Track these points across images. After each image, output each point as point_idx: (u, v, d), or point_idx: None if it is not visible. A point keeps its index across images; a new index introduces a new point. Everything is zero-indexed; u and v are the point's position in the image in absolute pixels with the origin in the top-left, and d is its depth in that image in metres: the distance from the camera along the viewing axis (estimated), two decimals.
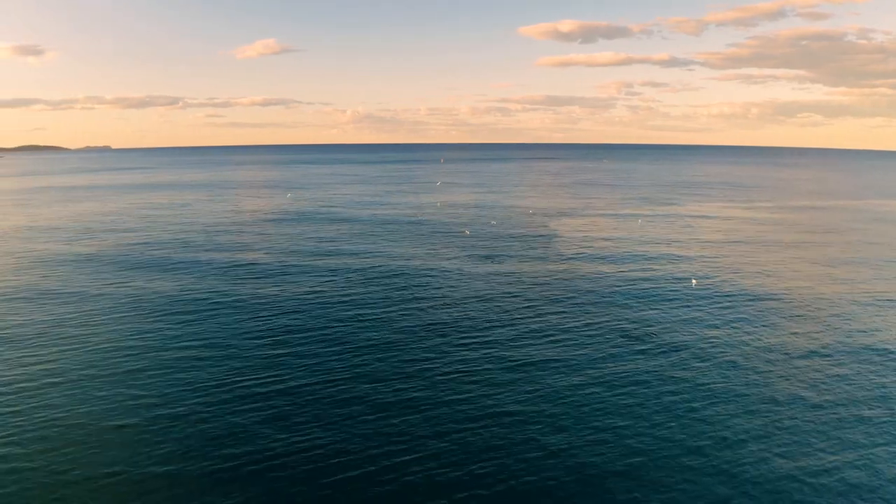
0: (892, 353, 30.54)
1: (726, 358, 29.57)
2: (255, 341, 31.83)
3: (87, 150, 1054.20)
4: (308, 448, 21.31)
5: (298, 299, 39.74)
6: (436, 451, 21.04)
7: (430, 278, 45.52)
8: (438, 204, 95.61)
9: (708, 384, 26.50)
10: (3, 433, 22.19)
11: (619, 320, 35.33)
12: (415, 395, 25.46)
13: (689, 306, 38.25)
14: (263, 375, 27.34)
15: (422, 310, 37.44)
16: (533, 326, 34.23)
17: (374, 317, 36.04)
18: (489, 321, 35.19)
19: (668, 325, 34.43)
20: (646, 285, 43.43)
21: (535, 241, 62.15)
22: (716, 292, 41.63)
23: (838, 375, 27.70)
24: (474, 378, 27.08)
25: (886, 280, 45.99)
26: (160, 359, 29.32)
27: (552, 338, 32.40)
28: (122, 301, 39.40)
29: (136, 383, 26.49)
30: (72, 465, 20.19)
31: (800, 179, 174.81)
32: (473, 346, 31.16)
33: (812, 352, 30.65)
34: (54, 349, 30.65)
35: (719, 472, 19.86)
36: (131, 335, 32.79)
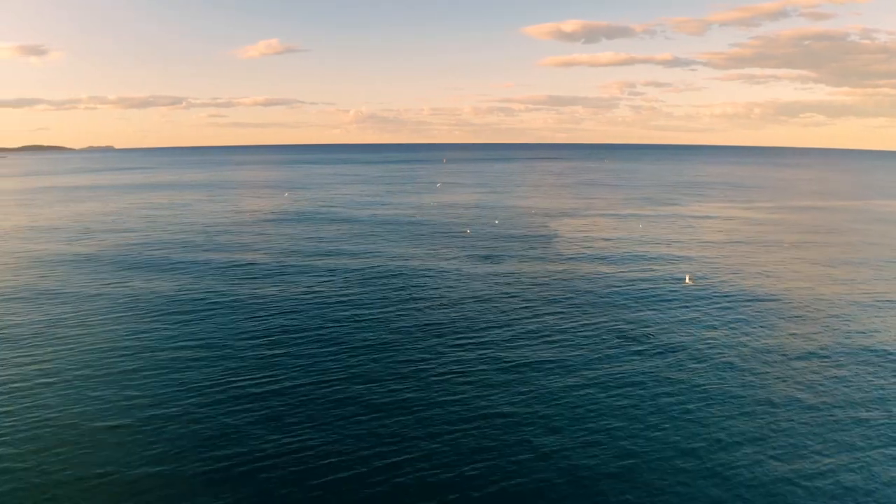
0: (890, 354, 30.36)
1: (723, 359, 29.42)
2: (251, 342, 31.76)
3: (91, 150, 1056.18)
4: (301, 449, 21.23)
5: (296, 299, 39.68)
6: (428, 452, 20.95)
7: (427, 278, 45.43)
8: (433, 204, 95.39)
9: (703, 385, 26.36)
10: None
11: (616, 321, 35.20)
12: (409, 395, 25.36)
13: (687, 307, 38.10)
14: (258, 376, 27.27)
15: (419, 310, 37.34)
16: (530, 327, 34.12)
17: (371, 317, 35.96)
18: (486, 322, 35.08)
19: (666, 326, 34.29)
20: (644, 286, 43.29)
21: (535, 241, 62.02)
22: (714, 293, 41.46)
23: (836, 377, 27.54)
24: (469, 379, 26.98)
25: (886, 281, 45.77)
26: (155, 359, 29.27)
27: (548, 338, 32.28)
28: (119, 301, 39.37)
29: (130, 383, 26.44)
30: (64, 466, 20.14)
31: (801, 180, 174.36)
32: (469, 346, 31.05)
33: (810, 353, 30.49)
34: (49, 349, 30.62)
35: (713, 475, 19.73)
36: (127, 335, 32.75)
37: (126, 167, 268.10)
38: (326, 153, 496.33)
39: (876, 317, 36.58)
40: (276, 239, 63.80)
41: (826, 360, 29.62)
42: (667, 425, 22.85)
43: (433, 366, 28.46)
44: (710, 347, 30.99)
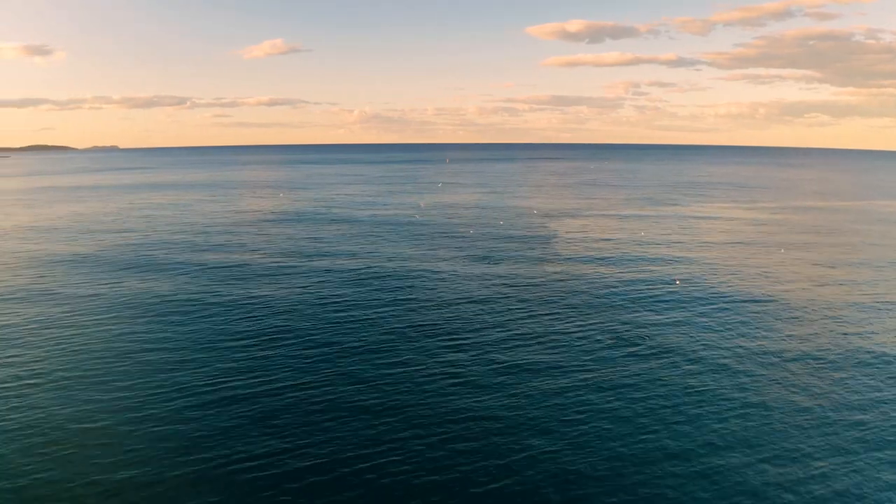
0: (886, 356, 30.07)
1: (718, 361, 29.16)
2: (245, 343, 31.63)
3: (95, 149, 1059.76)
4: (292, 449, 21.07)
5: (291, 300, 39.55)
6: (416, 453, 20.76)
7: (424, 279, 45.26)
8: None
9: (696, 388, 26.12)
10: None
11: (611, 322, 34.97)
12: (398, 396, 25.18)
13: (684, 308, 37.84)
14: (250, 378, 27.13)
15: (413, 311, 37.17)
16: (524, 328, 33.91)
17: (365, 318, 35.80)
18: (480, 322, 34.88)
19: (661, 328, 34.04)
20: (642, 287, 43.03)
21: (535, 241, 61.80)
22: (712, 294, 41.19)
23: (831, 379, 27.27)
24: (460, 380, 26.78)
25: (886, 282, 45.42)
26: (147, 360, 29.16)
27: (542, 340, 32.06)
28: (115, 302, 39.30)
29: (122, 385, 26.32)
30: (53, 467, 20.01)
31: (805, 180, 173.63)
32: (463, 347, 30.86)
33: (806, 355, 30.20)
34: (42, 349, 30.55)
35: (703, 477, 19.50)
36: (121, 336, 32.67)
37: (129, 167, 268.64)
38: (329, 153, 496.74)
39: (874, 319, 36.28)
40: (274, 239, 63.72)
41: (822, 362, 29.35)
42: (658, 428, 22.62)
43: (425, 367, 28.27)
44: (706, 349, 30.74)
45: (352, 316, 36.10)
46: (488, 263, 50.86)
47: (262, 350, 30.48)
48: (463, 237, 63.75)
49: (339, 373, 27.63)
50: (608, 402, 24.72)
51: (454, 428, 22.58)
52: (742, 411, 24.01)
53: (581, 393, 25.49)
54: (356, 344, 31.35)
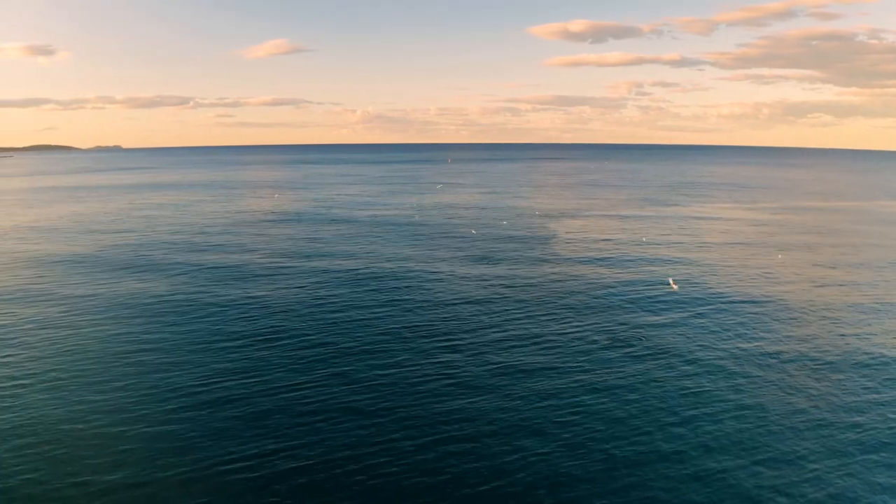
0: (884, 357, 29.89)
1: (715, 363, 29.01)
2: (241, 343, 31.58)
3: (98, 149, 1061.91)
4: (283, 450, 21.04)
5: (288, 301, 39.48)
6: (409, 453, 20.69)
7: (421, 280, 45.16)
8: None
9: (692, 389, 25.98)
10: None
11: (608, 323, 34.83)
12: (391, 397, 25.09)
13: (683, 309, 37.67)
14: (246, 378, 27.08)
15: (409, 311, 37.07)
16: (522, 329, 33.79)
17: (361, 318, 35.71)
18: (477, 323, 34.77)
19: (660, 329, 33.90)
20: (641, 287, 42.87)
21: (534, 242, 61.65)
22: (711, 296, 41.01)
23: (828, 381, 27.11)
24: (455, 381, 26.68)
25: (887, 282, 45.19)
26: (142, 361, 29.13)
27: (539, 341, 31.94)
28: (112, 302, 39.28)
29: (116, 385, 26.29)
30: (45, 467, 20.01)
31: (807, 180, 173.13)
32: (459, 348, 30.76)
33: (803, 356, 30.03)
34: (37, 350, 30.55)
35: (696, 480, 19.39)
36: (116, 337, 32.65)
37: (131, 167, 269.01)
38: (332, 153, 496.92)
39: (873, 320, 36.09)
40: (273, 240, 63.68)
41: (819, 363, 29.19)
42: (652, 429, 22.51)
43: (419, 368, 28.18)
44: (702, 350, 30.59)
45: (348, 316, 36.01)
46: (487, 264, 50.74)
47: (257, 351, 30.40)
48: (462, 237, 63.62)
49: (332, 373, 27.55)
50: (602, 403, 24.59)
51: (446, 429, 22.48)
52: (737, 413, 23.88)
53: (575, 394, 25.37)
54: (351, 344, 31.26)
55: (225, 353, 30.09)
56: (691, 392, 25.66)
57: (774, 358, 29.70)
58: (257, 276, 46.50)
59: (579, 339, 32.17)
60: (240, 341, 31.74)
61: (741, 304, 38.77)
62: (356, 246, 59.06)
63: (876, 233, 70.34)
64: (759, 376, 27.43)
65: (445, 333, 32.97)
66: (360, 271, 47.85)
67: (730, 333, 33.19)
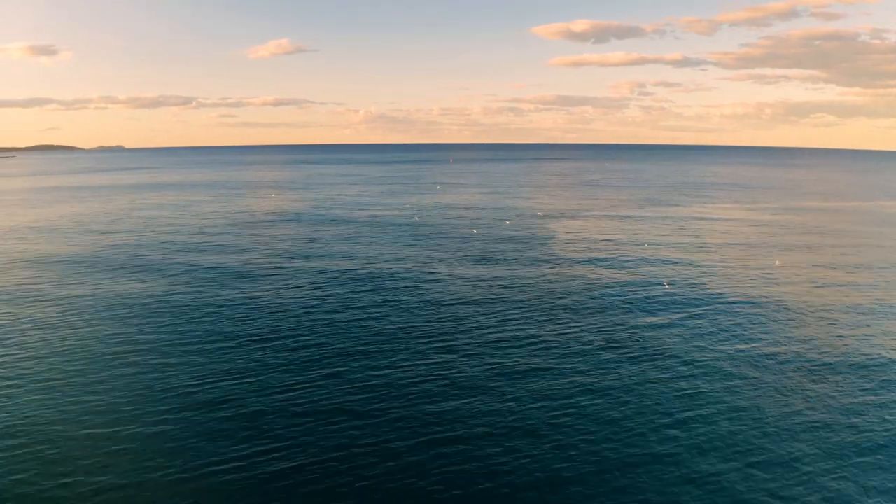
0: (882, 359, 29.73)
1: (712, 364, 28.87)
2: (237, 344, 31.54)
3: (101, 149, 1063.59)
4: (277, 451, 20.98)
5: (286, 302, 39.44)
6: (399, 455, 20.61)
7: (420, 281, 45.10)
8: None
9: (688, 391, 25.86)
10: None
11: (606, 324, 34.72)
12: (386, 398, 25.01)
13: (681, 310, 37.54)
14: (240, 379, 27.03)
15: (406, 312, 37.00)
16: (518, 330, 33.69)
17: (358, 319, 35.65)
18: (473, 324, 34.68)
19: (657, 330, 33.77)
20: (639, 288, 42.74)
21: (534, 242, 61.54)
22: (711, 296, 40.87)
23: (826, 383, 26.96)
24: (448, 382, 26.58)
25: (887, 283, 45.00)
26: (136, 361, 29.10)
27: (535, 341, 31.84)
28: (109, 303, 39.28)
29: (110, 386, 26.27)
30: (38, 468, 19.96)
31: (809, 180, 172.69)
32: (454, 349, 30.67)
33: (802, 357, 29.89)
34: (32, 350, 30.55)
35: (689, 482, 19.27)
36: (112, 337, 32.63)
37: (134, 167, 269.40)
38: (334, 153, 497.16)
39: (872, 321, 35.91)
40: (272, 240, 63.67)
41: (817, 364, 29.03)
42: (646, 431, 22.38)
43: (414, 369, 28.10)
44: (699, 351, 30.46)
45: (344, 317, 35.95)
46: (485, 265, 50.64)
47: (252, 351, 30.35)
48: (462, 238, 63.54)
49: (326, 374, 27.48)
50: (596, 404, 24.48)
51: (440, 430, 22.38)
52: (733, 415, 23.74)
53: (569, 395, 25.26)
54: (346, 345, 31.19)
55: (220, 353, 30.05)
56: (686, 394, 25.53)
57: (771, 359, 29.56)
58: (255, 276, 46.48)
59: (575, 340, 32.06)
60: (235, 342, 31.70)
61: (739, 305, 38.63)
62: (355, 246, 59.01)
63: (876, 233, 70.08)
64: (755, 378, 27.30)
65: (441, 334, 32.89)
66: (358, 272, 47.80)
67: (727, 335, 33.06)
